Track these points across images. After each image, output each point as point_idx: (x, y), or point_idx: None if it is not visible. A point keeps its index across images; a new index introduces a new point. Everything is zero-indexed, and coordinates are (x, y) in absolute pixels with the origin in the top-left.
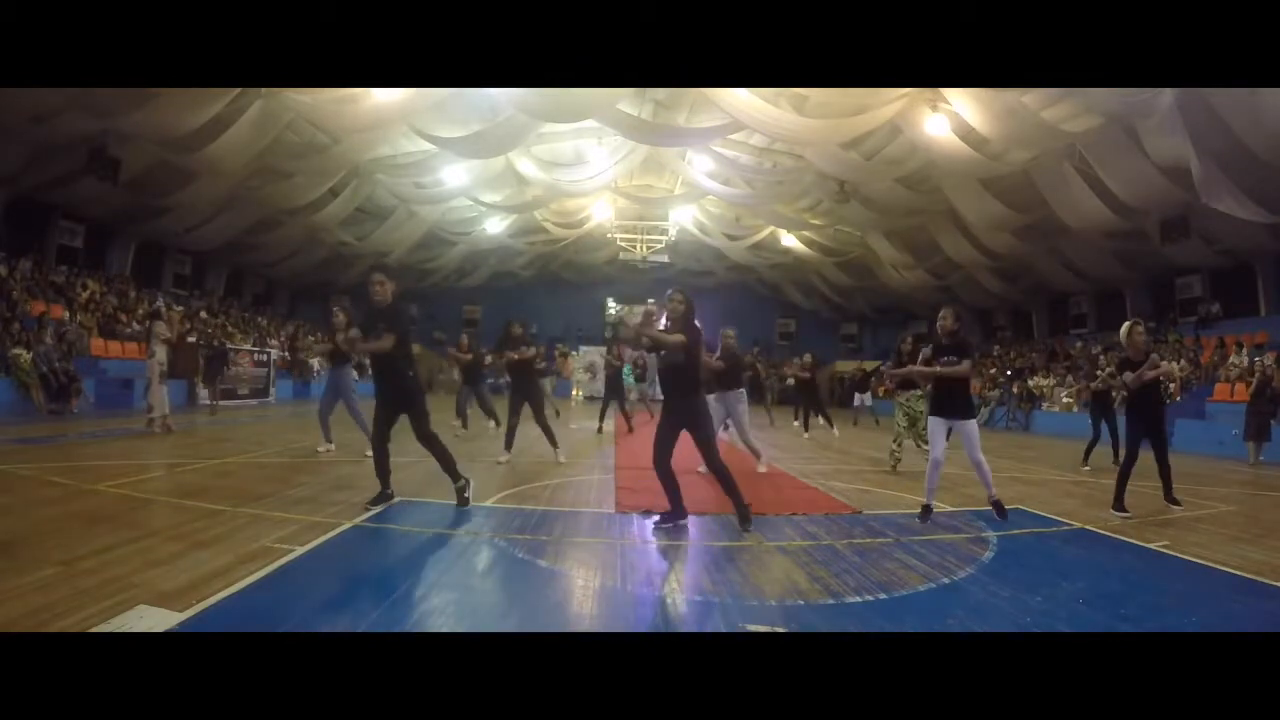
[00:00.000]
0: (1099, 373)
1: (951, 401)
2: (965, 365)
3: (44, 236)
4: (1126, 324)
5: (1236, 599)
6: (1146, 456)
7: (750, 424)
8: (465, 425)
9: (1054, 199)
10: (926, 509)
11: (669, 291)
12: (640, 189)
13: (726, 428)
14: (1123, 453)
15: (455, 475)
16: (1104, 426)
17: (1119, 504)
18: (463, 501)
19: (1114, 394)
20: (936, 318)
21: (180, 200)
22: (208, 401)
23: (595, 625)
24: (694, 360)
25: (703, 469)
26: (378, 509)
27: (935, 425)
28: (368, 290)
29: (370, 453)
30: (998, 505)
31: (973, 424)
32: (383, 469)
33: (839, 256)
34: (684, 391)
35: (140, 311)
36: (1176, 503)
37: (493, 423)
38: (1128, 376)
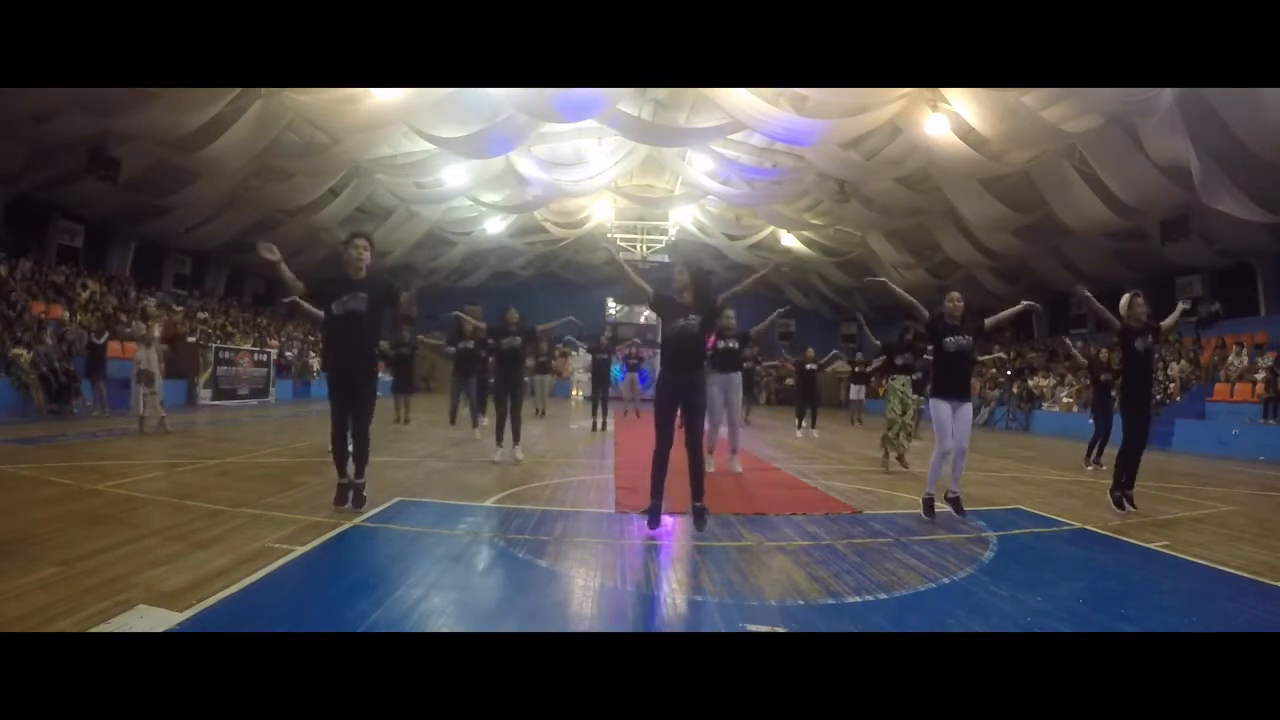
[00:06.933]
0: (1106, 376)
1: (962, 382)
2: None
3: (44, 236)
4: (1126, 296)
5: (1236, 599)
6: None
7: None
8: (464, 422)
9: (1054, 199)
10: (929, 502)
11: (677, 268)
12: (640, 189)
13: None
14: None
15: (358, 474)
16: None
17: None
18: (347, 493)
19: (1113, 391)
20: (945, 298)
21: (180, 200)
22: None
23: (595, 625)
24: (709, 329)
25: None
26: (347, 507)
27: (942, 409)
28: (344, 254)
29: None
30: (956, 502)
31: (970, 408)
32: (342, 458)
33: (839, 256)
34: (693, 363)
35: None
36: (1129, 505)
37: (481, 423)
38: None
